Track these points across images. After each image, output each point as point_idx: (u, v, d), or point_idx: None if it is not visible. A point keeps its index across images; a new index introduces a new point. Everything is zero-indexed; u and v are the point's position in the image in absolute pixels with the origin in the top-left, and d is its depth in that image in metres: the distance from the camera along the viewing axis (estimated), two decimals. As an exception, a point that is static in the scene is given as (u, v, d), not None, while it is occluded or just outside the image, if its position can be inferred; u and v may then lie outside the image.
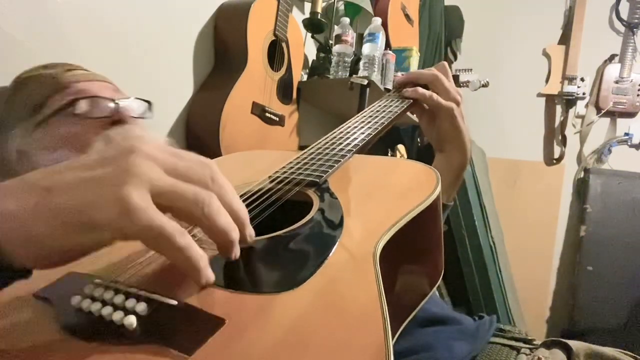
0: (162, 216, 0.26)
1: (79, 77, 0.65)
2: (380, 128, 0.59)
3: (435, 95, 0.65)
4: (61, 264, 0.27)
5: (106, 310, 0.26)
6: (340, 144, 0.55)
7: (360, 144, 0.54)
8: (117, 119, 0.62)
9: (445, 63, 0.71)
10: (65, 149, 0.59)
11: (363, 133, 0.57)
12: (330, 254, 0.32)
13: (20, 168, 0.60)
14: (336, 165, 0.48)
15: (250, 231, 0.32)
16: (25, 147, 0.60)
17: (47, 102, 0.61)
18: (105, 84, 0.67)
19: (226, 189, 0.30)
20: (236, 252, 0.30)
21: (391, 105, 0.66)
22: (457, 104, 0.66)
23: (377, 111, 0.65)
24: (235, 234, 0.30)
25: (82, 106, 0.61)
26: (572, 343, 0.55)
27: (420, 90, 0.66)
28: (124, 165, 0.26)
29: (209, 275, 0.28)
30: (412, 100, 0.67)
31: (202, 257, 0.28)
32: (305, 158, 0.52)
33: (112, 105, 0.62)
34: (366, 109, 0.66)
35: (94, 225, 0.25)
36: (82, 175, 0.27)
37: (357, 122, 0.62)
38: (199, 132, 1.10)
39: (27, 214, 0.25)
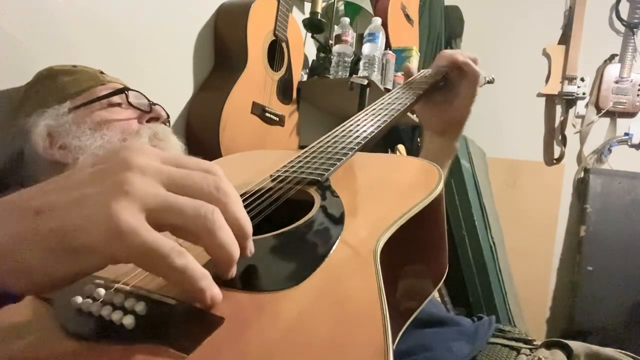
0: (157, 235, 0.24)
1: (114, 80, 0.74)
2: (383, 126, 0.59)
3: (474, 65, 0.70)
4: (52, 290, 0.26)
5: (105, 310, 0.26)
6: (342, 142, 0.54)
7: (363, 142, 0.54)
8: (153, 117, 0.71)
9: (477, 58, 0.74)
10: (107, 130, 0.65)
11: (365, 131, 0.57)
12: (331, 252, 0.32)
13: (46, 152, 0.63)
14: (338, 164, 0.48)
15: (251, 246, 0.30)
16: (59, 128, 0.64)
17: (84, 93, 0.68)
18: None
19: (231, 199, 0.28)
20: (232, 272, 0.28)
21: (394, 103, 0.66)
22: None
23: (381, 108, 0.65)
24: (235, 251, 0.27)
25: (132, 96, 0.70)
26: (572, 343, 0.55)
27: (463, 57, 0.70)
28: (115, 182, 0.25)
29: (215, 294, 0.26)
30: (418, 96, 0.68)
31: (204, 276, 0.25)
32: (307, 156, 0.52)
33: (149, 104, 0.71)
34: (369, 106, 0.66)
35: (82, 250, 0.24)
36: (72, 195, 0.25)
37: (359, 120, 0.62)
38: (199, 132, 1.10)
39: (14, 242, 0.24)
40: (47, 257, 0.24)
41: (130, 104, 0.69)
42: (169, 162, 0.28)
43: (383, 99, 0.69)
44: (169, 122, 0.75)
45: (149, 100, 0.71)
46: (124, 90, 0.69)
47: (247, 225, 0.29)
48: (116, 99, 0.69)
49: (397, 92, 0.71)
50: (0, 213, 0.25)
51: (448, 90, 0.72)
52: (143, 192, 0.25)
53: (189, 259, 0.25)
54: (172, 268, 0.24)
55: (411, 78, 0.76)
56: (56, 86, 0.69)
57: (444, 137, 0.74)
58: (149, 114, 0.71)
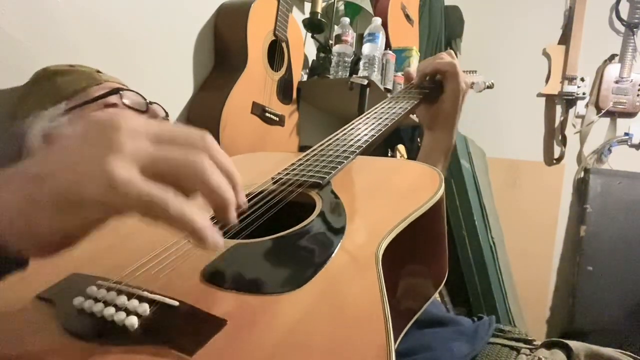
0: (151, 184, 0.26)
1: (111, 79, 0.73)
2: (384, 129, 0.59)
3: (458, 66, 0.73)
4: (60, 249, 0.27)
5: (108, 311, 0.26)
6: (344, 145, 0.55)
7: (364, 146, 0.54)
8: (150, 116, 0.70)
9: (451, 51, 0.77)
10: None
11: (367, 134, 0.57)
12: (333, 255, 0.32)
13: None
14: (339, 167, 0.48)
15: (242, 196, 0.31)
16: (55, 130, 0.64)
17: (80, 94, 0.68)
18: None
19: (216, 148, 0.30)
20: (233, 216, 0.29)
21: (395, 107, 0.66)
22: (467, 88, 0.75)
23: (382, 112, 0.65)
24: (230, 194, 0.29)
25: (128, 96, 0.69)
26: (572, 343, 0.55)
27: (447, 59, 0.73)
28: (106, 141, 0.26)
29: (217, 238, 0.27)
30: (419, 100, 0.69)
31: (202, 217, 0.26)
32: (309, 159, 0.52)
33: (145, 103, 0.70)
34: (370, 110, 0.67)
35: (83, 203, 0.25)
36: (67, 157, 0.27)
37: (360, 123, 0.62)
38: (199, 132, 1.10)
39: (21, 203, 0.26)
40: (53, 214, 0.25)
41: (124, 104, 0.69)
42: (152, 124, 0.29)
43: (384, 102, 0.69)
44: (167, 121, 0.75)
45: (145, 100, 0.71)
46: (118, 90, 0.69)
47: (234, 172, 0.30)
48: (112, 99, 0.68)
49: (398, 96, 0.71)
50: (5, 180, 0.27)
51: (438, 87, 0.75)
52: (134, 147, 0.26)
53: (186, 202, 0.26)
54: (170, 212, 0.26)
55: (411, 82, 0.77)
56: (52, 87, 0.68)
57: (437, 131, 0.76)
58: (146, 113, 0.70)
